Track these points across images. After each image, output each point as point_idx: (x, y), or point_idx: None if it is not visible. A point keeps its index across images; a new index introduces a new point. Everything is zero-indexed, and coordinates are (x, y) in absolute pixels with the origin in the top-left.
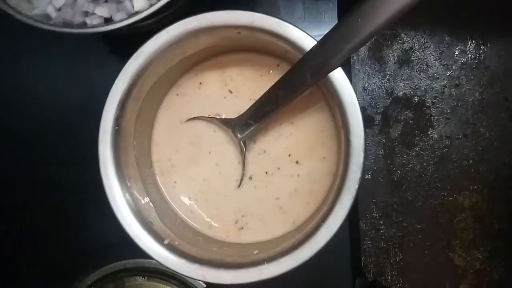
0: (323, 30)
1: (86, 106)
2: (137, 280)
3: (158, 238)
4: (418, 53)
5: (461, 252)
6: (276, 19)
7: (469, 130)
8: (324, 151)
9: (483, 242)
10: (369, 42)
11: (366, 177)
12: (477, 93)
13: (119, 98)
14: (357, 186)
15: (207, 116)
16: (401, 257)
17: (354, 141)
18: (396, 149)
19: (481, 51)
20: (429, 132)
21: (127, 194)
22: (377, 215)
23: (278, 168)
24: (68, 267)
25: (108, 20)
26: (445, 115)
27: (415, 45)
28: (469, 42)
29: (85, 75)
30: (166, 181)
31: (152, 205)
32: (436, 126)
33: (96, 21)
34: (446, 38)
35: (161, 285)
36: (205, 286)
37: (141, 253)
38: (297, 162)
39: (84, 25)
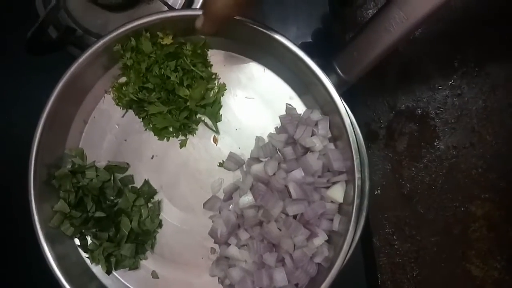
0: None
1: None
2: None
3: None
4: (417, 65)
5: (478, 262)
6: None
7: (475, 138)
8: None
9: (500, 250)
10: None
11: (376, 192)
12: (480, 101)
13: None
14: None
15: None
16: (417, 271)
17: None
18: (403, 163)
19: (480, 58)
20: (435, 143)
21: None
22: (390, 230)
23: None
24: None
25: None
26: (449, 125)
27: (414, 57)
28: (468, 50)
29: None
30: None
31: None
32: (441, 137)
33: None
34: (445, 48)
35: None
36: None
37: None
38: None
39: None
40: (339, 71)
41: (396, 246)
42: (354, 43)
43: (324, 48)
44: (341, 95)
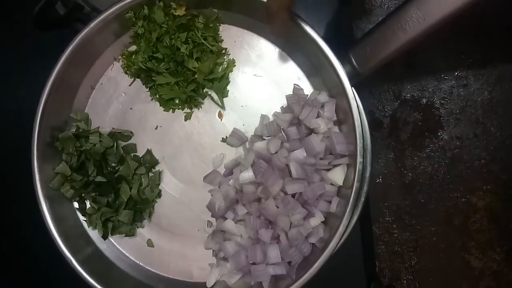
0: None
1: None
2: None
3: None
4: (424, 54)
5: (477, 253)
6: None
7: (479, 129)
8: None
9: (499, 242)
10: None
11: (377, 181)
12: (486, 92)
13: None
14: None
15: None
16: (416, 260)
17: None
18: (406, 152)
19: (488, 49)
20: (439, 133)
21: None
22: (390, 219)
23: None
24: None
25: None
26: (454, 115)
27: (421, 46)
28: (475, 41)
29: None
30: None
31: None
32: (445, 127)
33: None
34: (452, 39)
35: None
36: None
37: None
38: None
39: None
40: (354, 62)
41: (395, 235)
42: (369, 38)
43: (333, 35)
44: (353, 85)
